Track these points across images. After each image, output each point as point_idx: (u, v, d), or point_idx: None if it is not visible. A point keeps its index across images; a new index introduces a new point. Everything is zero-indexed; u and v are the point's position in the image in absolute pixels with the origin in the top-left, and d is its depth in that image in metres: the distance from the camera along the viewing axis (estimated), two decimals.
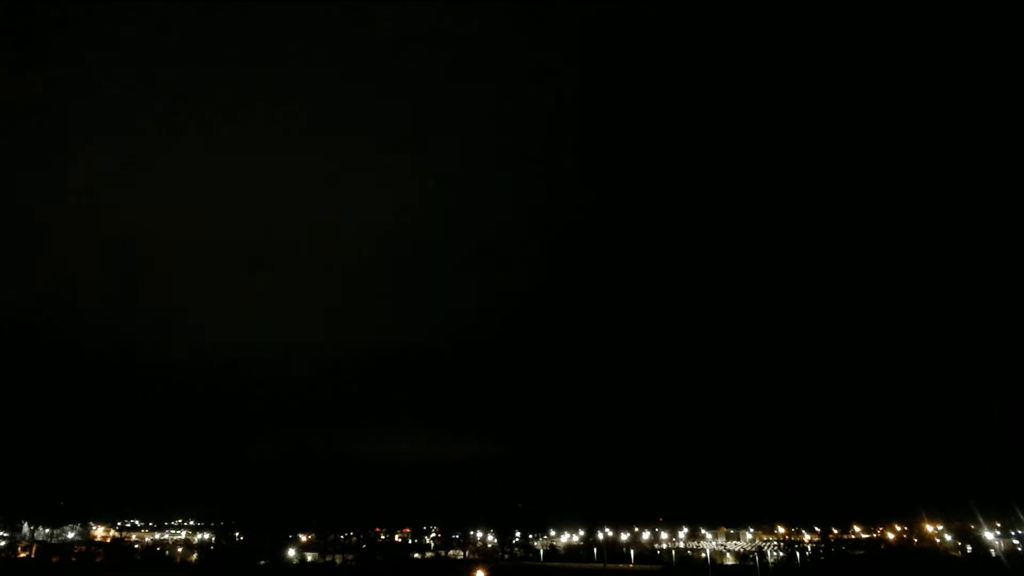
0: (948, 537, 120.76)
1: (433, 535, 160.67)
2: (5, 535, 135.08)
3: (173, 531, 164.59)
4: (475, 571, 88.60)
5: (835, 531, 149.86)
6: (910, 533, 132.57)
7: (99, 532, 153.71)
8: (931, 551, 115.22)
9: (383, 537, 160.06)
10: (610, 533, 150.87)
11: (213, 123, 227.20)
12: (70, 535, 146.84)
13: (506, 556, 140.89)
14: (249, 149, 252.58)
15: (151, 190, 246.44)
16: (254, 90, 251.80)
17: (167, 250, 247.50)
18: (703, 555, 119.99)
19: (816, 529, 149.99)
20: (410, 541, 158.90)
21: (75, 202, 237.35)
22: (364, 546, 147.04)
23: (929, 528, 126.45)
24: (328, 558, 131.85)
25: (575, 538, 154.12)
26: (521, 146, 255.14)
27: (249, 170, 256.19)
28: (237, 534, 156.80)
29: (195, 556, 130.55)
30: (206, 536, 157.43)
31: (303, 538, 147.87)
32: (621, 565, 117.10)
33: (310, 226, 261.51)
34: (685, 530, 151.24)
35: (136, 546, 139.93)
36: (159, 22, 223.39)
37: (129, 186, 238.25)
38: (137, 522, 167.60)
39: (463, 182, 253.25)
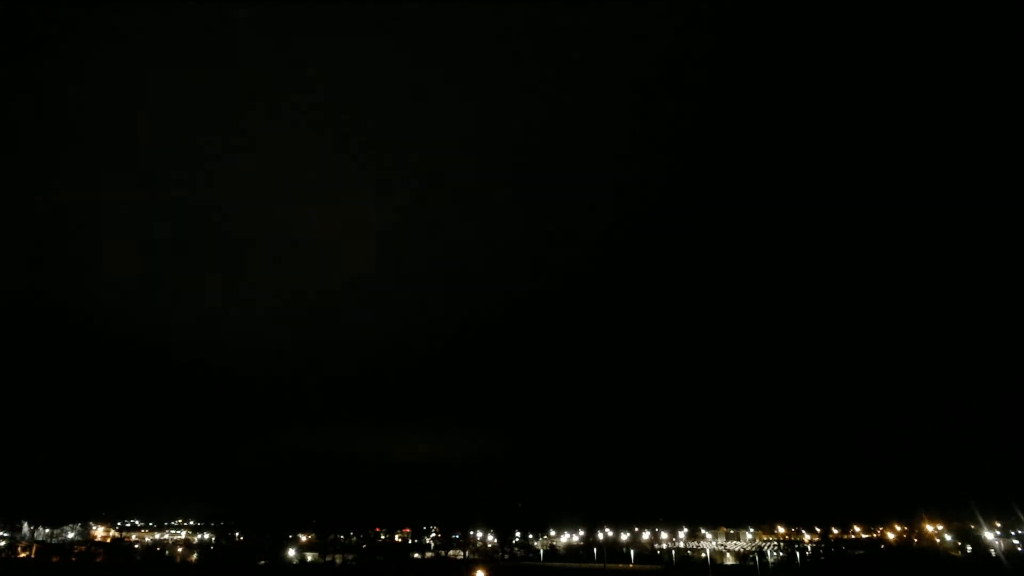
0: (948, 537, 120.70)
1: (433, 535, 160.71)
2: (5, 535, 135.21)
3: (173, 531, 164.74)
4: (475, 571, 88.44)
5: (835, 531, 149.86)
6: (910, 533, 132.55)
7: (99, 532, 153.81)
8: (931, 551, 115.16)
9: (383, 537, 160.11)
10: (610, 533, 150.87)
11: None
12: (70, 535, 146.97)
13: (506, 556, 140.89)
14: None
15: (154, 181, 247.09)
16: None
17: (168, 247, 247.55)
18: (703, 555, 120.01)
19: (816, 529, 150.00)
20: (410, 541, 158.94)
21: (75, 196, 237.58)
22: (364, 546, 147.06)
23: (929, 528, 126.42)
24: (328, 558, 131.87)
25: (575, 538, 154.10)
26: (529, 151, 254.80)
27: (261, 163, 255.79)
28: (237, 534, 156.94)
29: (195, 556, 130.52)
30: (206, 536, 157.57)
31: (303, 538, 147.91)
32: (621, 565, 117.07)
33: (315, 226, 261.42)
34: (685, 530, 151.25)
35: (136, 546, 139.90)
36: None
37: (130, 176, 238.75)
38: (137, 522, 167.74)
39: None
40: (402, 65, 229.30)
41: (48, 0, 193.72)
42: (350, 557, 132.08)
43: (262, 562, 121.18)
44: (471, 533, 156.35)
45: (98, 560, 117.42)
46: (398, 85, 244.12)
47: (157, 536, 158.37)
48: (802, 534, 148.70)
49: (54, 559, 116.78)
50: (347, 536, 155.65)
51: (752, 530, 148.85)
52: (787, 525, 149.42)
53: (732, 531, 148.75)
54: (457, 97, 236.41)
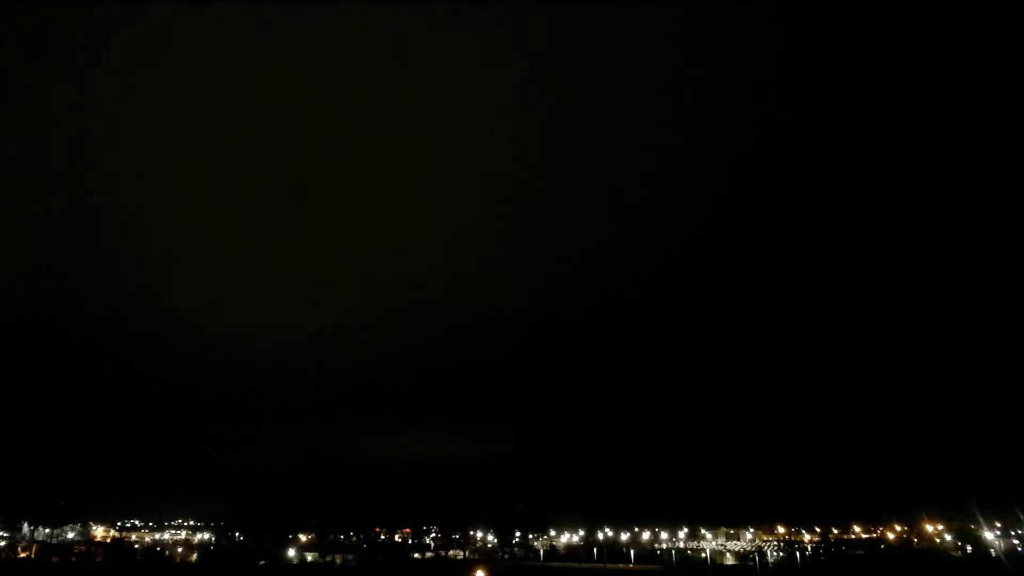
0: (948, 537, 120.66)
1: (433, 535, 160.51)
2: (5, 535, 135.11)
3: (173, 531, 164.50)
4: (475, 571, 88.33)
5: (835, 531, 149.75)
6: (910, 533, 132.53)
7: (99, 532, 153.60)
8: (931, 551, 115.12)
9: (383, 537, 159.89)
10: (610, 533, 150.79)
11: None
12: (70, 535, 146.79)
13: (506, 556, 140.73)
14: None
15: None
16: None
17: (168, 246, 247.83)
18: (703, 555, 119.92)
19: (816, 529, 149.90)
20: (410, 541, 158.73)
21: (77, 196, 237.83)
22: (364, 546, 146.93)
23: (929, 528, 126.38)
24: (328, 558, 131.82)
25: (575, 538, 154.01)
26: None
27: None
28: (237, 534, 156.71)
29: (195, 556, 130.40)
30: (206, 536, 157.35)
31: (303, 538, 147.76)
32: (621, 565, 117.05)
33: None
34: (685, 530, 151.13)
35: (136, 546, 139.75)
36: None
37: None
38: (137, 522, 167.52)
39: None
40: None
41: None
42: (350, 557, 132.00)
43: (262, 562, 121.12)
44: (471, 533, 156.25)
45: (98, 560, 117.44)
46: None
47: (157, 536, 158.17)
48: (802, 534, 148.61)
49: (54, 559, 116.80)
50: (347, 536, 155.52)
51: (752, 530, 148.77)
52: (787, 525, 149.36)
53: (732, 531, 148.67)
54: None
